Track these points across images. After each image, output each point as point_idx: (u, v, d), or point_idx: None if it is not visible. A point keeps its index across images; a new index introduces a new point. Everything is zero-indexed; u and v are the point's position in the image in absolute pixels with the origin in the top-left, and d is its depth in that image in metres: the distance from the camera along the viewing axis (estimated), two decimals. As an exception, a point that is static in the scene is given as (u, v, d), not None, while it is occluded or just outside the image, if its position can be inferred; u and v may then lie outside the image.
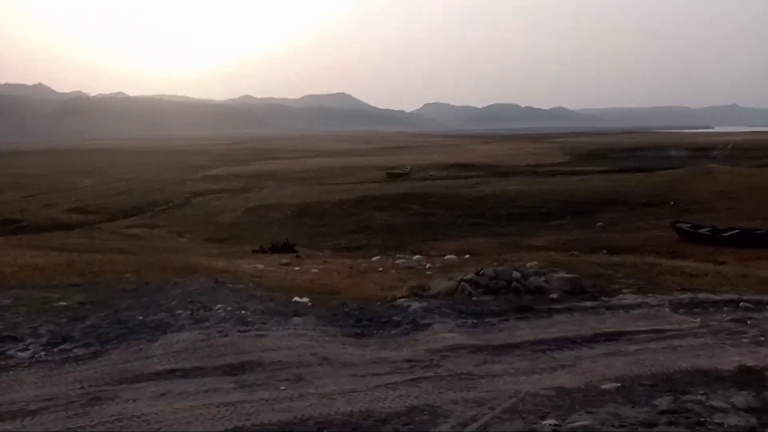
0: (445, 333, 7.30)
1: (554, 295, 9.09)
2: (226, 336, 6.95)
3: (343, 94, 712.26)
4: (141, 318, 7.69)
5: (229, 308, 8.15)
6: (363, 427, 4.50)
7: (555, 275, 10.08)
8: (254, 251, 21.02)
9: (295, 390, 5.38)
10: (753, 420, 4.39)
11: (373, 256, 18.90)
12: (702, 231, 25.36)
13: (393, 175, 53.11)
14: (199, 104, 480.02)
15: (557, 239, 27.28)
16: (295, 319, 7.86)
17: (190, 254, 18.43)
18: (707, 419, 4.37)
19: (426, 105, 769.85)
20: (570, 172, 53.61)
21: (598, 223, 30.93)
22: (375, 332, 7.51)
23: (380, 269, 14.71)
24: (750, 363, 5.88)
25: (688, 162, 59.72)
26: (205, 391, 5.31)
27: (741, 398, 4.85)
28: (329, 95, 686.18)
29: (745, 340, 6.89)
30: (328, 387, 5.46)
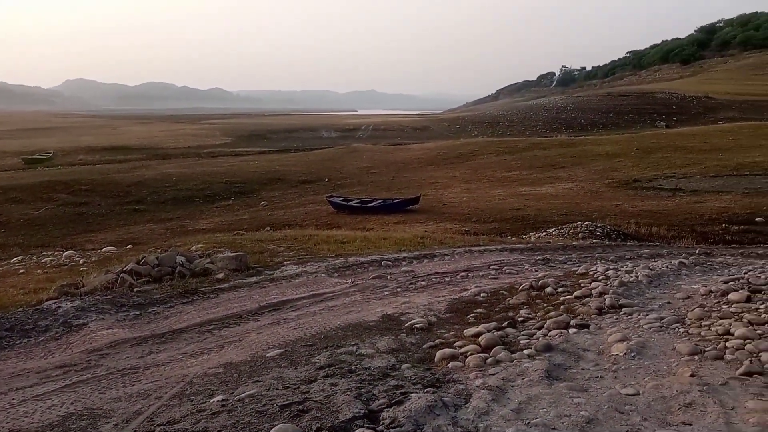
0: (104, 330, 6.74)
1: (220, 275, 9.15)
2: None
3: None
4: None
5: None
6: (5, 451, 3.89)
7: (221, 255, 10.16)
8: None
9: None
10: (393, 359, 5.12)
11: (13, 257, 16.33)
12: (352, 203, 28.39)
13: (32, 161, 46.50)
14: None
15: (224, 220, 27.50)
16: None
17: None
18: (357, 366, 4.93)
19: (68, 81, 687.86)
20: (232, 153, 54.27)
21: (262, 202, 32.10)
22: (17, 343, 6.52)
23: (22, 271, 12.81)
24: (390, 311, 6.83)
25: (338, 142, 65.88)
26: None
27: (384, 342, 5.61)
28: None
29: (386, 292, 7.98)
30: (-46, 417, 4.56)
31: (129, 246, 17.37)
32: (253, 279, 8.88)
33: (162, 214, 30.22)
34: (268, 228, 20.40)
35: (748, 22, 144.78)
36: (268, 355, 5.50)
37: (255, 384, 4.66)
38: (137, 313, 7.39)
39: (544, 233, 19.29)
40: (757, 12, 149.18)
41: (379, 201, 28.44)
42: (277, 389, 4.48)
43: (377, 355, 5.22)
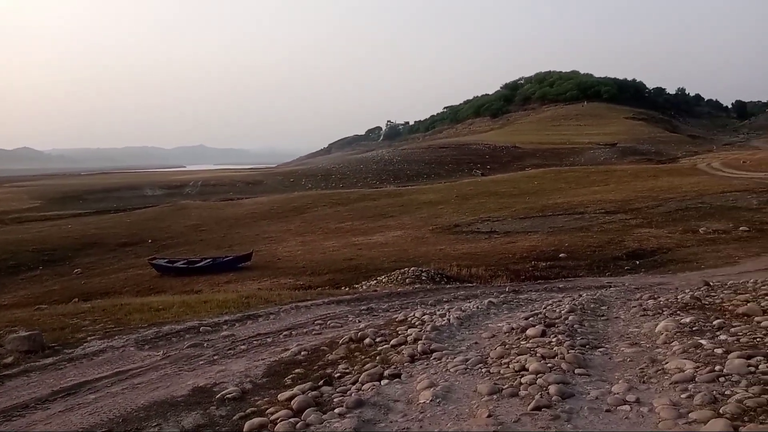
0: None
1: (9, 359, 8.03)
2: None
3: None
4: None
5: None
6: None
7: (12, 336, 8.95)
8: None
9: None
10: (204, 437, 4.76)
11: None
12: (178, 264, 26.91)
13: None
14: None
15: (31, 293, 24.75)
16: None
17: None
18: (156, 450, 4.51)
19: None
20: (41, 218, 49.32)
21: (76, 270, 29.39)
22: None
23: None
24: (202, 383, 6.39)
25: (164, 200, 62.72)
26: None
27: (190, 419, 5.20)
28: None
29: (201, 362, 7.48)
30: None
31: None
32: (49, 360, 7.89)
33: (-48, 292, 26.40)
34: (76, 299, 18.59)
35: (544, 79, 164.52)
36: (53, 450, 4.85)
37: (29, 489, 4.05)
38: None
39: (375, 281, 19.71)
40: (551, 71, 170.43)
41: (209, 260, 27.33)
42: (55, 492, 3.92)
43: (180, 435, 4.81)
